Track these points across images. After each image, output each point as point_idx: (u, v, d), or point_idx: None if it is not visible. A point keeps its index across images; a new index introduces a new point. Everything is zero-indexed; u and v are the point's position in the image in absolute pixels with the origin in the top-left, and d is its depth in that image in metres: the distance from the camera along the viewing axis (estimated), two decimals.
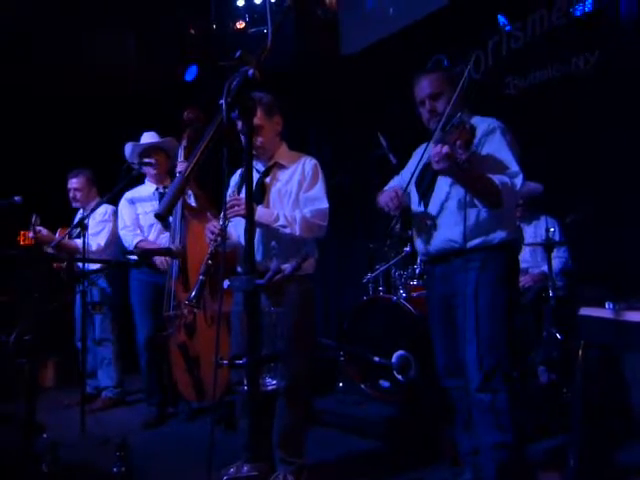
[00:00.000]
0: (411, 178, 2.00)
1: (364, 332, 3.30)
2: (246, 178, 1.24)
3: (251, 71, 1.21)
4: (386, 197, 1.96)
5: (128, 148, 3.33)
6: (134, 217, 3.34)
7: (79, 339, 3.61)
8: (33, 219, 3.45)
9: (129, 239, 3.28)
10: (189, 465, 2.50)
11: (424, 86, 2.00)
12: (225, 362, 1.18)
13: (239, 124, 2.04)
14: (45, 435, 2.48)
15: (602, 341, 1.79)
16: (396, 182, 2.29)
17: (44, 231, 3.50)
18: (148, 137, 3.38)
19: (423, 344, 2.90)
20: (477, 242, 1.89)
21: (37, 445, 2.25)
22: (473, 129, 1.68)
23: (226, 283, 1.95)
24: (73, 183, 3.71)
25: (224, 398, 2.73)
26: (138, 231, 3.32)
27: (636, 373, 1.77)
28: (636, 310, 1.56)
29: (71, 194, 3.72)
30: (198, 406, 3.22)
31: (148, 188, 3.39)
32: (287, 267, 1.13)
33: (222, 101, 1.18)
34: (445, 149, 1.65)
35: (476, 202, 1.84)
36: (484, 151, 1.88)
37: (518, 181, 1.83)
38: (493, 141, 1.89)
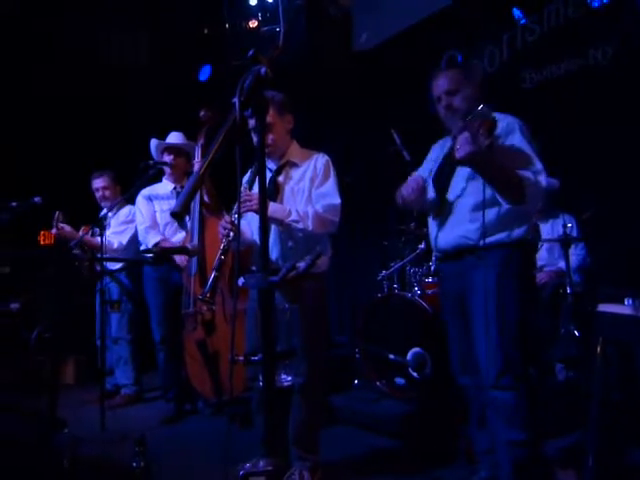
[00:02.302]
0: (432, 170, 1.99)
1: (379, 329, 3.29)
2: (259, 175, 1.25)
3: (263, 69, 1.22)
4: (409, 186, 2.00)
5: (152, 144, 3.38)
6: (152, 214, 3.37)
7: (99, 337, 3.68)
8: (56, 215, 3.50)
9: (147, 237, 3.31)
10: (206, 461, 2.53)
11: (440, 83, 1.99)
12: (241, 358, 1.19)
13: (251, 122, 2.07)
14: (66, 430, 2.53)
15: (621, 337, 1.77)
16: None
17: (67, 227, 3.54)
18: (173, 137, 3.42)
19: (438, 341, 2.89)
20: (492, 240, 1.87)
21: (58, 440, 2.30)
22: (495, 120, 1.67)
23: (241, 280, 1.96)
24: (100, 182, 3.74)
25: (240, 395, 2.75)
26: (157, 229, 3.35)
27: None
28: None
29: (100, 193, 3.75)
30: (217, 402, 3.25)
31: (166, 186, 3.42)
32: (301, 264, 1.14)
33: (235, 100, 1.20)
34: (467, 134, 1.64)
35: (499, 198, 1.82)
36: (505, 148, 1.86)
37: (542, 178, 1.80)
38: (513, 139, 1.87)
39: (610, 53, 3.45)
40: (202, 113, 3.06)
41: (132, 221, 3.65)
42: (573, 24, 3.66)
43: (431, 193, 2.08)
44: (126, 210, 3.67)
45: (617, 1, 3.45)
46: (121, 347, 3.68)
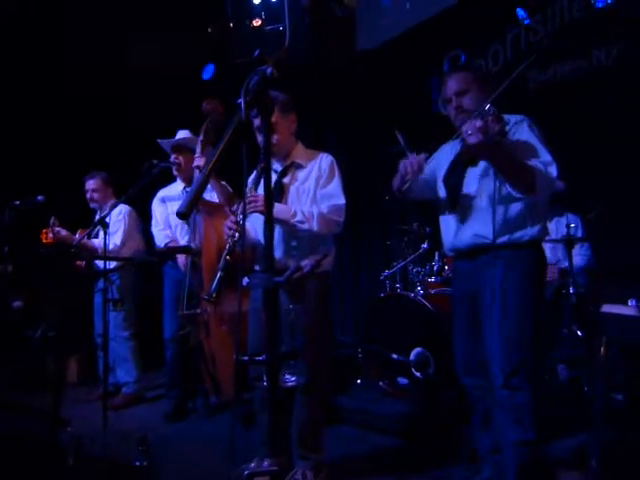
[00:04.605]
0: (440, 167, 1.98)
1: (382, 329, 3.30)
2: (265, 175, 1.25)
3: (269, 70, 1.22)
4: (407, 161, 1.94)
5: (163, 144, 3.37)
6: (165, 216, 3.40)
7: (98, 335, 3.66)
8: (51, 221, 3.52)
9: (160, 238, 3.36)
10: (209, 460, 2.53)
11: (450, 84, 2.00)
12: (245, 358, 1.19)
13: (255, 122, 2.07)
14: (69, 429, 2.53)
15: (625, 338, 1.77)
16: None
17: (63, 231, 3.56)
18: (180, 135, 3.40)
19: (441, 341, 2.89)
20: (506, 239, 1.87)
21: (62, 438, 2.30)
22: (502, 117, 1.67)
23: (245, 280, 1.96)
24: (90, 184, 3.77)
25: (242, 395, 2.75)
26: (168, 231, 3.37)
27: None
28: None
29: (88, 195, 3.78)
30: (216, 402, 3.26)
31: (177, 187, 3.42)
32: (306, 265, 1.14)
33: (241, 100, 1.20)
34: (479, 122, 1.64)
35: (509, 188, 1.81)
36: (514, 141, 1.86)
37: (552, 169, 1.80)
38: (522, 134, 1.88)
39: (614, 53, 3.44)
40: (204, 105, 3.03)
41: (122, 220, 3.67)
42: (577, 24, 3.65)
43: (442, 193, 2.08)
44: (117, 210, 3.65)
45: (621, 2, 3.44)
46: (120, 345, 3.65)
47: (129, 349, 3.68)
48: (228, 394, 2.88)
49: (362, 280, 4.70)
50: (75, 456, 2.14)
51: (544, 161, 1.81)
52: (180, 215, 1.03)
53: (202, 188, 1.10)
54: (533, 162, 1.78)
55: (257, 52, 1.25)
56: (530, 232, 1.88)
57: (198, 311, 2.91)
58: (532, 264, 1.89)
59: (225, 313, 2.78)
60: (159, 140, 3.36)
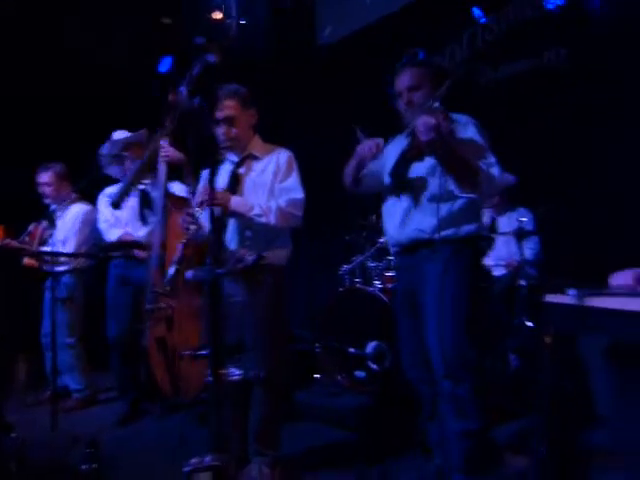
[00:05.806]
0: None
1: (341, 323, 3.31)
2: (212, 166, 1.23)
3: (212, 57, 1.20)
4: (364, 144, 1.95)
5: (104, 150, 3.18)
6: (112, 211, 3.21)
7: (44, 335, 3.49)
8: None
9: (108, 233, 3.20)
10: (160, 461, 2.46)
11: (403, 79, 2.01)
12: (187, 352, 1.16)
13: (217, 115, 2.03)
14: (14, 434, 2.42)
15: (565, 327, 1.82)
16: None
17: (13, 243, 3.38)
18: (118, 135, 3.22)
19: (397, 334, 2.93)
20: (446, 234, 1.90)
21: (5, 444, 2.20)
22: (450, 116, 1.70)
23: (189, 274, 1.92)
24: (42, 178, 3.53)
25: (201, 394, 2.70)
26: (119, 227, 3.22)
27: (593, 358, 1.81)
28: (597, 296, 1.59)
29: (40, 189, 3.54)
30: (174, 402, 3.19)
31: None
32: (248, 258, 1.12)
33: (182, 88, 1.18)
34: (432, 120, 1.66)
35: (453, 185, 1.84)
36: (460, 140, 1.88)
37: (495, 170, 1.84)
38: (467, 132, 1.91)
39: (563, 54, 3.56)
40: (170, 96, 2.95)
41: (75, 227, 3.49)
42: (530, 25, 3.76)
43: (387, 187, 2.09)
44: (74, 211, 3.49)
45: (570, 4, 3.56)
46: (64, 352, 3.42)
47: (74, 356, 3.50)
48: (188, 393, 2.82)
49: (322, 275, 4.71)
50: (18, 461, 2.05)
51: (488, 162, 1.85)
52: (114, 206, 1.00)
53: (136, 178, 1.07)
54: (478, 162, 1.82)
55: (198, 39, 1.23)
56: (467, 228, 1.92)
57: (163, 305, 2.82)
58: (469, 258, 1.94)
59: (194, 307, 2.72)
60: (105, 144, 3.15)
